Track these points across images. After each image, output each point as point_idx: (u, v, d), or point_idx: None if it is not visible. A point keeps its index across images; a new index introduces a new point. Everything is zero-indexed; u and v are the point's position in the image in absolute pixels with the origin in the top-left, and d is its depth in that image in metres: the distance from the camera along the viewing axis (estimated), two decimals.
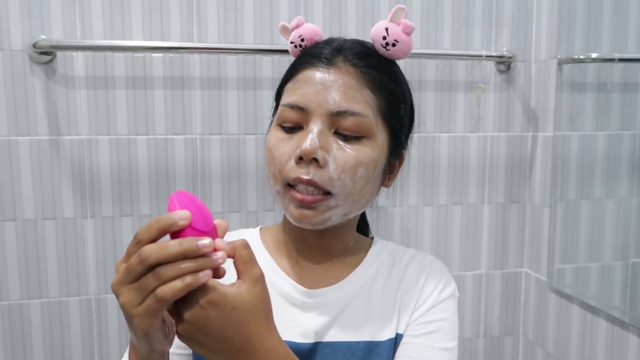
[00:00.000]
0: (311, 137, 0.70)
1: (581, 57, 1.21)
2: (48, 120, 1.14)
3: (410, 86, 0.83)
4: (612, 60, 1.14)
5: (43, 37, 1.11)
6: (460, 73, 1.32)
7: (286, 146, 0.73)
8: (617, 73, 1.13)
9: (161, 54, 1.17)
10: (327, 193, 0.72)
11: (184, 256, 0.54)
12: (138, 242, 0.56)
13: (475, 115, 1.33)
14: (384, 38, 0.76)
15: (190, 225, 0.55)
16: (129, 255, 0.57)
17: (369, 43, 0.79)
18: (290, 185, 0.73)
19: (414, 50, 1.23)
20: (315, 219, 0.73)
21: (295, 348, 0.74)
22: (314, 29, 0.81)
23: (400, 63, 1.25)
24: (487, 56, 1.27)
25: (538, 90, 1.35)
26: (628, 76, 1.11)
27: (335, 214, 0.74)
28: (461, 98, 1.32)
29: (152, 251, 0.54)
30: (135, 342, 0.60)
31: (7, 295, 1.16)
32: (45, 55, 1.12)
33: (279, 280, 0.80)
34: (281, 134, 0.74)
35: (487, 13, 1.31)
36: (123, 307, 0.56)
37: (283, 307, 0.78)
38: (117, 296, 0.56)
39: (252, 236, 0.86)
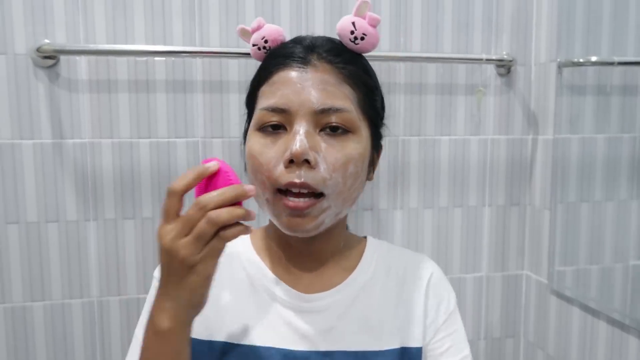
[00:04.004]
0: (300, 139, 0.68)
1: (581, 60, 1.21)
2: (51, 124, 1.15)
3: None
4: (611, 63, 1.14)
5: (47, 41, 1.12)
6: (461, 76, 1.32)
7: (271, 151, 0.71)
8: (616, 76, 1.13)
9: (163, 58, 1.18)
10: (319, 195, 0.70)
11: (236, 200, 0.61)
12: (174, 194, 0.60)
13: (476, 118, 1.34)
14: (352, 32, 0.76)
15: (220, 170, 0.63)
16: (169, 211, 0.61)
17: (336, 39, 0.78)
18: (280, 191, 0.71)
19: (414, 54, 1.27)
20: (309, 226, 0.71)
21: (291, 356, 0.74)
22: (277, 29, 0.80)
23: (401, 66, 1.27)
24: (487, 60, 1.27)
25: (538, 93, 1.35)
26: (627, 79, 1.12)
27: (328, 215, 0.72)
28: (461, 101, 1.33)
29: (210, 198, 0.60)
30: (183, 307, 0.62)
31: (10, 297, 1.16)
32: (49, 59, 1.12)
33: (272, 285, 0.79)
34: (263, 139, 0.72)
35: (487, 17, 1.32)
36: (184, 260, 0.59)
37: (278, 312, 0.77)
38: (175, 253, 0.60)
39: (243, 240, 0.85)
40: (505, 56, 1.30)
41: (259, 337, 0.75)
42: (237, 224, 0.62)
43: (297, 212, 0.70)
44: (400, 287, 0.82)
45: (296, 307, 0.77)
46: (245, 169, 0.78)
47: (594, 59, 1.19)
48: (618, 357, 1.12)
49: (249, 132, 0.76)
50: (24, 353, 1.18)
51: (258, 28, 0.80)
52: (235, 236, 0.61)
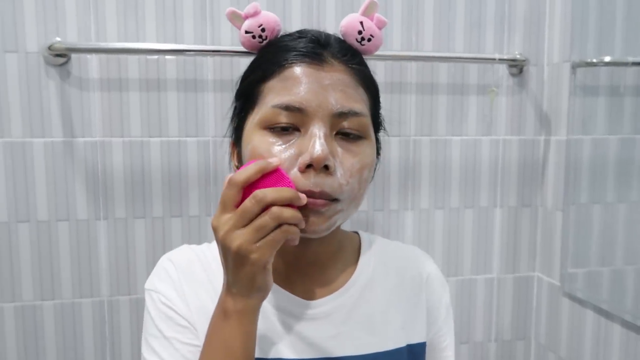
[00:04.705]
0: (320, 142, 0.64)
1: (594, 60, 1.20)
2: (62, 122, 1.15)
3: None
4: (625, 64, 1.13)
5: (58, 39, 1.12)
6: (473, 76, 1.31)
7: (283, 153, 0.66)
8: (630, 76, 1.13)
9: (174, 57, 1.18)
10: (334, 199, 0.68)
11: (290, 202, 0.62)
12: (235, 185, 0.61)
13: (487, 118, 1.33)
14: (360, 32, 0.73)
15: (277, 171, 0.63)
16: (227, 201, 0.61)
17: (340, 37, 0.75)
18: None
19: (426, 53, 1.26)
20: (323, 226, 0.68)
21: None
22: (275, 18, 0.75)
23: (413, 65, 1.26)
24: (499, 59, 1.26)
25: (550, 93, 1.34)
26: None
27: (340, 218, 0.71)
28: (473, 101, 1.32)
29: (267, 192, 0.60)
30: (248, 291, 0.63)
31: (20, 296, 1.16)
32: (60, 57, 1.12)
33: (273, 293, 0.75)
34: (272, 139, 0.67)
35: (500, 16, 1.31)
36: (240, 249, 0.60)
37: (282, 321, 0.74)
38: (230, 243, 0.61)
39: None
40: (517, 56, 1.29)
41: (267, 349, 0.73)
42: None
43: (314, 210, 0.66)
44: (400, 284, 0.82)
45: (300, 314, 0.75)
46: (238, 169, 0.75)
47: (607, 59, 1.18)
48: (633, 359, 1.11)
49: (249, 129, 0.70)
50: (34, 352, 1.18)
51: (254, 14, 0.73)
52: (294, 234, 0.63)
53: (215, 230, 0.63)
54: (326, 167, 0.65)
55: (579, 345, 1.26)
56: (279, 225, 0.61)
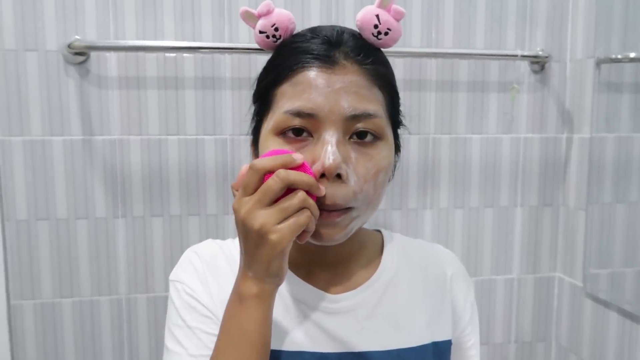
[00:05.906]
0: (332, 151, 0.63)
1: (619, 56, 1.18)
2: (81, 121, 1.15)
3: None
4: None
5: (77, 37, 1.12)
6: (493, 73, 1.29)
7: None
8: None
9: (192, 54, 1.17)
10: (349, 207, 0.67)
11: (310, 188, 0.62)
12: (258, 171, 0.61)
13: (508, 116, 1.31)
14: (376, 26, 0.70)
15: (303, 165, 0.63)
16: (248, 185, 0.61)
17: (357, 32, 0.73)
18: None
19: (446, 50, 1.24)
20: (339, 235, 0.68)
21: (325, 359, 0.72)
22: (288, 15, 0.73)
23: (432, 63, 1.25)
24: (521, 56, 1.24)
25: (573, 90, 1.32)
26: None
27: (357, 224, 0.70)
28: (494, 99, 1.30)
29: (290, 173, 0.60)
30: (263, 275, 0.63)
31: (39, 293, 1.17)
32: (79, 55, 1.12)
33: (296, 287, 0.75)
34: (285, 146, 0.67)
35: (521, 12, 1.29)
36: (261, 228, 0.60)
37: (305, 315, 0.74)
38: (252, 221, 0.60)
39: None
40: (539, 52, 1.27)
41: (290, 341, 0.73)
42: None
43: (329, 223, 0.66)
44: (424, 281, 0.81)
45: (323, 308, 0.75)
46: None
47: (632, 55, 1.15)
48: None
49: (264, 135, 0.70)
50: (53, 349, 1.18)
51: (267, 13, 0.72)
52: (312, 225, 0.63)
53: (236, 211, 0.62)
54: (339, 176, 0.65)
55: (602, 347, 1.24)
56: (302, 210, 0.61)
